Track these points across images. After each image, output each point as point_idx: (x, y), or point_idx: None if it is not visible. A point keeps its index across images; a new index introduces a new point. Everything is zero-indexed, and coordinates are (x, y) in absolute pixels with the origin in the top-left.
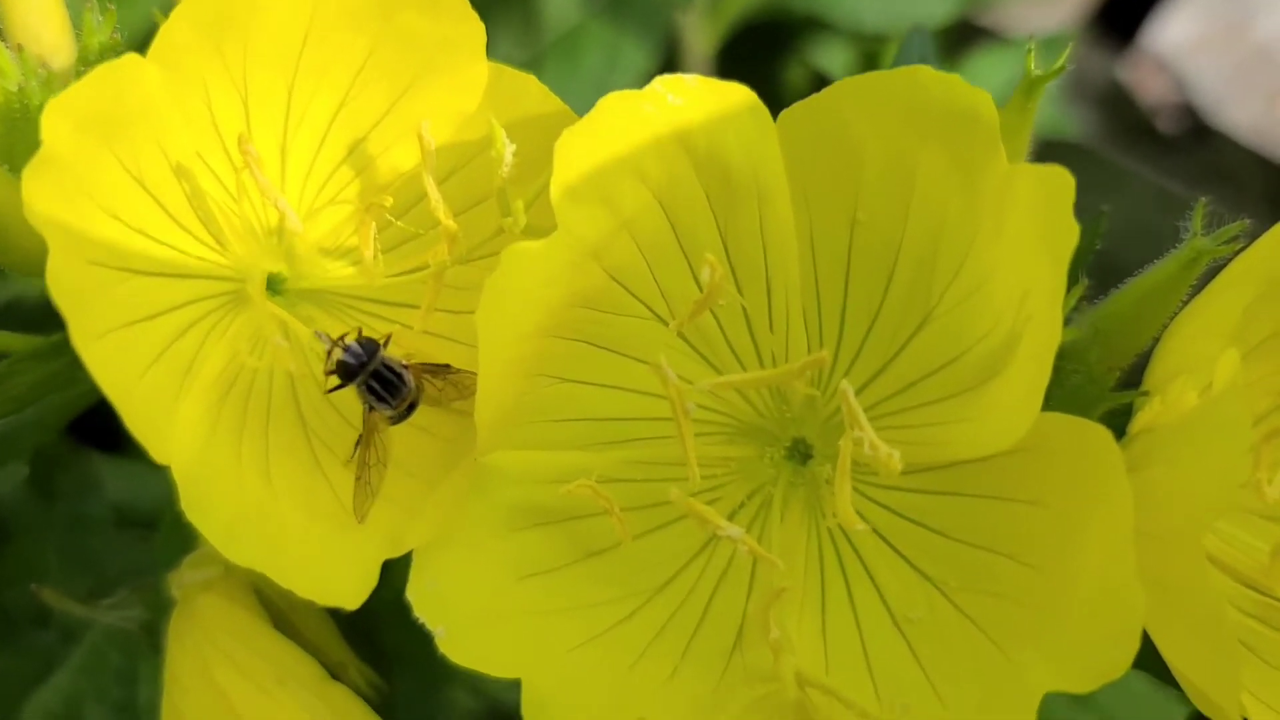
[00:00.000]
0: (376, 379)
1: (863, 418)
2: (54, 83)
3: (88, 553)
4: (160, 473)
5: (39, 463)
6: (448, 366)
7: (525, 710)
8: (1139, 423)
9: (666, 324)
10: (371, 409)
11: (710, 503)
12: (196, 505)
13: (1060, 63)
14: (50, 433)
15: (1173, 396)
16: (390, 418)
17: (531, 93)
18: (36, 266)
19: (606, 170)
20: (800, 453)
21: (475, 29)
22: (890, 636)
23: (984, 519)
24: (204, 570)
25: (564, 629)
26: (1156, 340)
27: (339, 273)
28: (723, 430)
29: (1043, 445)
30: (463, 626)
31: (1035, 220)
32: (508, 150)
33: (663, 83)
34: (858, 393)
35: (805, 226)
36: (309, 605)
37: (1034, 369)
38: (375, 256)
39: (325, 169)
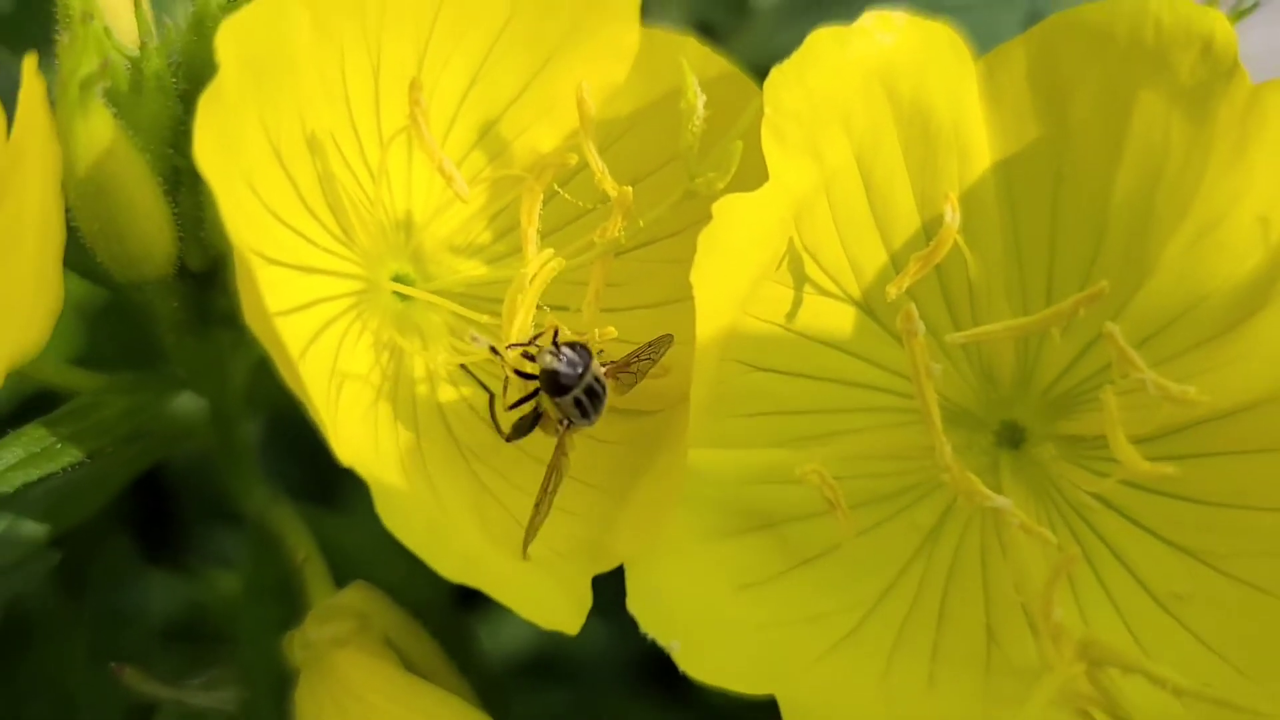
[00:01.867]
0: (587, 392)
1: (1137, 357)
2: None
3: (123, 655)
4: (197, 581)
5: (70, 548)
6: (628, 364)
7: None
8: None
9: (857, 306)
10: (569, 426)
11: (923, 497)
12: (391, 510)
13: None
14: (114, 488)
15: None
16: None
17: (691, 56)
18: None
19: (816, 115)
20: (1009, 438)
21: None
22: (1157, 617)
23: (1248, 475)
24: (335, 625)
25: (796, 641)
26: None
27: (472, 272)
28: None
29: None
30: (696, 640)
31: None
32: (699, 100)
33: (872, 19)
34: (1079, 358)
35: (1005, 187)
36: (448, 667)
37: None
38: (534, 238)
39: (455, 154)
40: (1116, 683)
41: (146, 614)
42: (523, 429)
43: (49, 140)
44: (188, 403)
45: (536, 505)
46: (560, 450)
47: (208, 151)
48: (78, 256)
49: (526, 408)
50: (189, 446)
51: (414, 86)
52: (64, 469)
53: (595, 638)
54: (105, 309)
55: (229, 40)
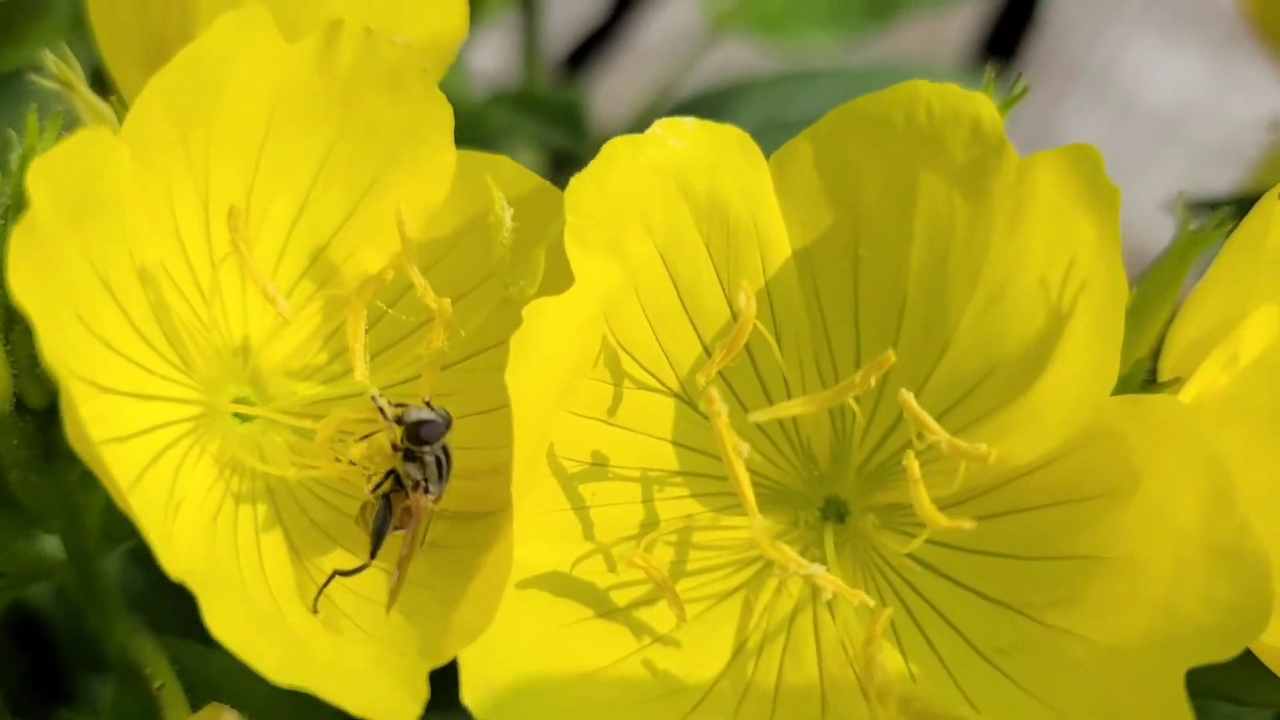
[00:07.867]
0: (444, 453)
1: (930, 420)
2: None
3: None
4: None
5: None
6: None
7: None
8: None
9: (676, 396)
10: (422, 489)
11: (755, 576)
12: (214, 611)
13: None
14: None
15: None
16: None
17: (505, 174)
18: None
19: (615, 218)
20: (834, 513)
21: (442, 112)
22: (982, 670)
23: (1046, 528)
24: None
25: None
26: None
27: (308, 393)
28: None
29: (1104, 434)
30: None
31: (1069, 190)
32: (506, 214)
33: (663, 126)
34: (890, 432)
35: (807, 272)
36: None
37: (1096, 336)
38: (363, 357)
39: (286, 283)
40: None
41: None
42: (381, 533)
43: None
44: (47, 541)
45: (399, 566)
46: (414, 516)
47: (24, 282)
48: None
49: (386, 485)
50: (49, 585)
51: (233, 214)
52: None
53: None
54: None
55: (39, 178)
